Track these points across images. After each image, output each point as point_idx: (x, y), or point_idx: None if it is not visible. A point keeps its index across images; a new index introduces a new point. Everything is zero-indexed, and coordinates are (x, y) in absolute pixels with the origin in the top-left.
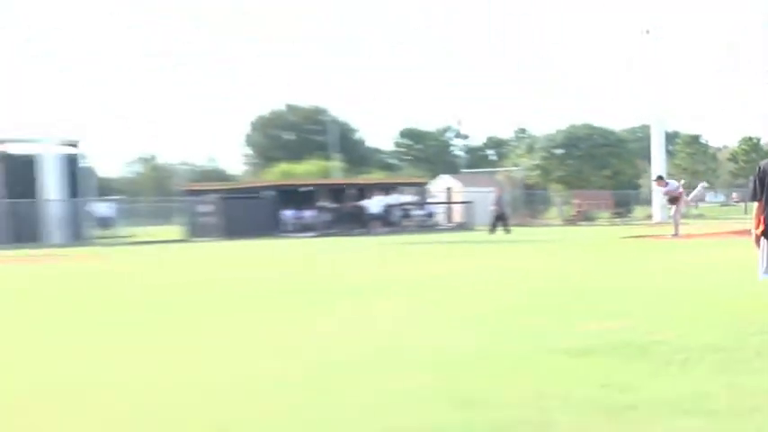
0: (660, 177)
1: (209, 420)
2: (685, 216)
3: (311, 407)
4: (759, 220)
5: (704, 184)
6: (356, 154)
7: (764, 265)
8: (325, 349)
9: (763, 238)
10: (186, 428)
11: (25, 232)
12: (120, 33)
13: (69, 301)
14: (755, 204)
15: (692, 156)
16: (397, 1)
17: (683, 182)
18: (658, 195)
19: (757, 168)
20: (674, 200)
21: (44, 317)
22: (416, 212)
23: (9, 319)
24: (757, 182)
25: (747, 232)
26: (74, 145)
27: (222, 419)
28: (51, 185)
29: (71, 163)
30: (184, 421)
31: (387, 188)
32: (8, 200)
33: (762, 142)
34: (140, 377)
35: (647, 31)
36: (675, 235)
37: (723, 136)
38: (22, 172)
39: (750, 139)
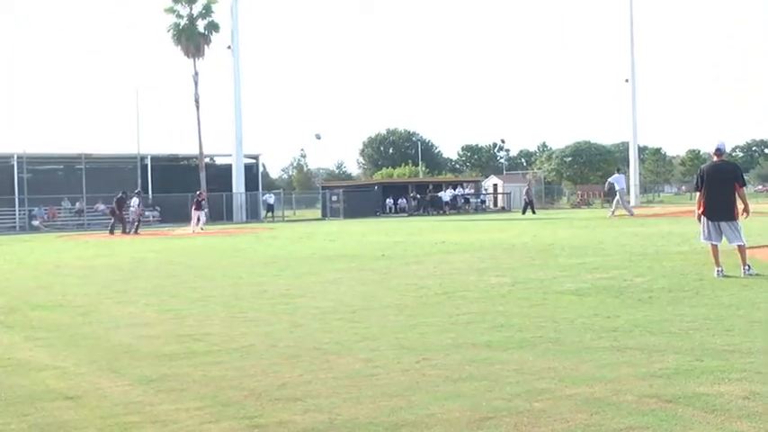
0: (618, 169)
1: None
2: (651, 202)
3: (410, 325)
4: (700, 204)
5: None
6: (434, 161)
7: (703, 233)
8: (417, 288)
9: (702, 216)
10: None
11: (222, 214)
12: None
13: (257, 250)
14: (698, 194)
15: (656, 162)
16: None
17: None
18: (635, 187)
19: (699, 170)
20: (611, 190)
21: (243, 258)
22: (473, 200)
23: (228, 261)
24: (699, 179)
25: (691, 212)
26: (255, 157)
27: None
28: (239, 183)
29: (251, 169)
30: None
31: (454, 184)
32: (211, 193)
33: (702, 152)
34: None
35: (627, 80)
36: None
37: (676, 148)
38: (221, 175)
39: (694, 150)
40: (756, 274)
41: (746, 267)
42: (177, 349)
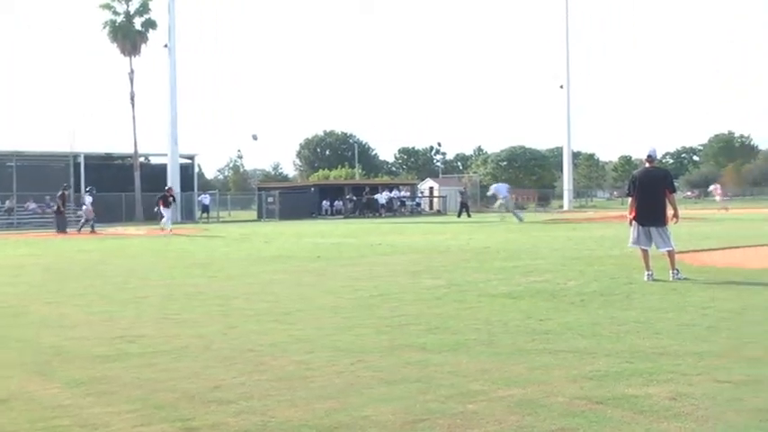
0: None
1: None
2: (584, 206)
3: (345, 327)
4: (631, 209)
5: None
6: (371, 164)
7: (633, 238)
8: (352, 290)
9: (633, 221)
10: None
11: (156, 214)
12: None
13: (192, 252)
14: (630, 199)
15: (589, 167)
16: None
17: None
18: (568, 192)
19: (631, 176)
20: (495, 198)
21: (177, 259)
22: (409, 203)
23: (162, 262)
24: (631, 185)
25: (623, 217)
26: (191, 158)
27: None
28: (173, 183)
29: (187, 169)
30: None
31: (390, 187)
32: (145, 193)
33: (633, 158)
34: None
35: (561, 86)
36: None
37: (609, 154)
38: (156, 175)
39: (626, 156)
40: (685, 278)
41: (675, 272)
42: (108, 351)
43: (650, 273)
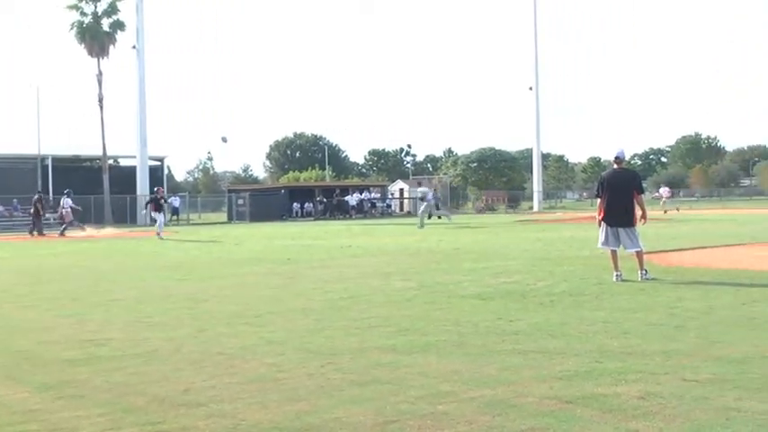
0: (154, 193)
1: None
2: (554, 207)
3: (315, 329)
4: (600, 210)
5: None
6: (341, 166)
7: (602, 239)
8: (323, 292)
9: (602, 222)
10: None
11: (125, 216)
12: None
13: (162, 254)
14: (598, 200)
15: (558, 169)
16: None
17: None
18: (538, 193)
19: (600, 177)
20: (424, 199)
21: (148, 261)
22: (380, 204)
23: (133, 265)
24: (599, 186)
25: (592, 218)
26: (160, 160)
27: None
28: (143, 186)
29: (156, 171)
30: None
31: (361, 188)
32: (114, 195)
33: (602, 160)
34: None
35: (530, 88)
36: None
37: (578, 155)
38: (125, 177)
39: (595, 157)
40: (653, 279)
41: (644, 272)
42: (78, 355)
43: (619, 273)
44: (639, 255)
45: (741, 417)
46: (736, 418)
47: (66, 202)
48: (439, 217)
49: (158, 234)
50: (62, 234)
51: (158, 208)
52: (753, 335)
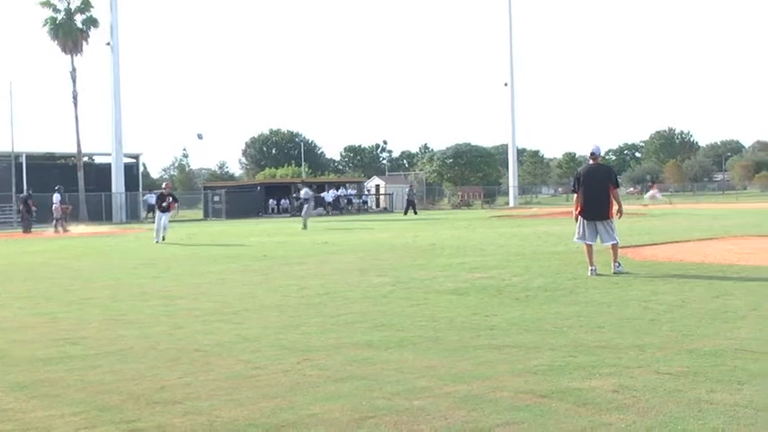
0: (300, 186)
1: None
2: (529, 203)
3: (292, 326)
4: (577, 205)
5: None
6: (317, 162)
7: (578, 233)
8: (299, 288)
9: (579, 216)
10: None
11: (101, 214)
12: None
13: (137, 251)
14: (575, 195)
15: (534, 164)
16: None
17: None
18: (513, 188)
19: (576, 173)
20: (168, 206)
21: (123, 259)
22: (356, 201)
23: (108, 262)
24: (576, 181)
25: (568, 213)
26: (135, 157)
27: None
28: (118, 183)
29: (132, 168)
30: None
31: (337, 185)
32: (89, 193)
33: (577, 155)
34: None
35: (506, 84)
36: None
37: (553, 151)
38: (100, 174)
39: (570, 153)
40: (626, 272)
41: (616, 264)
42: (52, 353)
43: (593, 268)
44: (615, 247)
45: (713, 409)
46: (709, 410)
47: (56, 197)
48: (304, 226)
49: (162, 238)
50: (60, 230)
51: (165, 208)
52: (725, 327)
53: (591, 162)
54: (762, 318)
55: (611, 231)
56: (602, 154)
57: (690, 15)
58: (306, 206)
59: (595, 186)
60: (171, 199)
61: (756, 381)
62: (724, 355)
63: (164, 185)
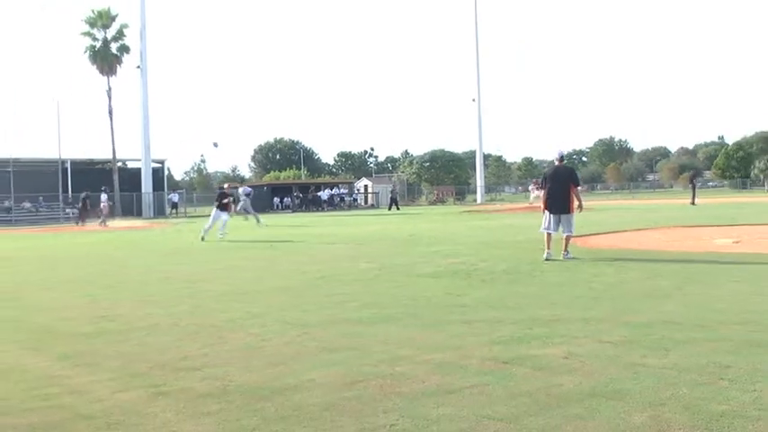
0: (222, 189)
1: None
2: (494, 200)
3: (293, 304)
4: (544, 200)
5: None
6: (314, 166)
7: (544, 224)
8: (299, 273)
9: (545, 210)
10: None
11: (132, 210)
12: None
13: (163, 242)
14: (542, 191)
15: (498, 167)
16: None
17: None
18: (480, 188)
19: (545, 172)
20: (227, 204)
21: (152, 249)
22: (347, 199)
23: (138, 251)
24: (544, 179)
25: (527, 208)
26: (161, 162)
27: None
28: (147, 184)
29: (158, 172)
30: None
31: (331, 185)
32: (123, 192)
33: (534, 159)
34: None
35: (473, 99)
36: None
37: (514, 155)
38: (132, 177)
39: (528, 157)
40: (574, 258)
41: (566, 252)
42: (92, 329)
43: (549, 252)
44: (568, 238)
45: (645, 371)
46: (642, 372)
47: (103, 197)
48: (246, 218)
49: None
50: (104, 224)
51: (225, 206)
52: (655, 303)
53: (557, 164)
54: (685, 295)
55: (569, 224)
56: (559, 157)
57: (627, 37)
58: (241, 202)
59: (559, 185)
60: (231, 198)
61: (680, 347)
62: (654, 327)
63: (225, 185)
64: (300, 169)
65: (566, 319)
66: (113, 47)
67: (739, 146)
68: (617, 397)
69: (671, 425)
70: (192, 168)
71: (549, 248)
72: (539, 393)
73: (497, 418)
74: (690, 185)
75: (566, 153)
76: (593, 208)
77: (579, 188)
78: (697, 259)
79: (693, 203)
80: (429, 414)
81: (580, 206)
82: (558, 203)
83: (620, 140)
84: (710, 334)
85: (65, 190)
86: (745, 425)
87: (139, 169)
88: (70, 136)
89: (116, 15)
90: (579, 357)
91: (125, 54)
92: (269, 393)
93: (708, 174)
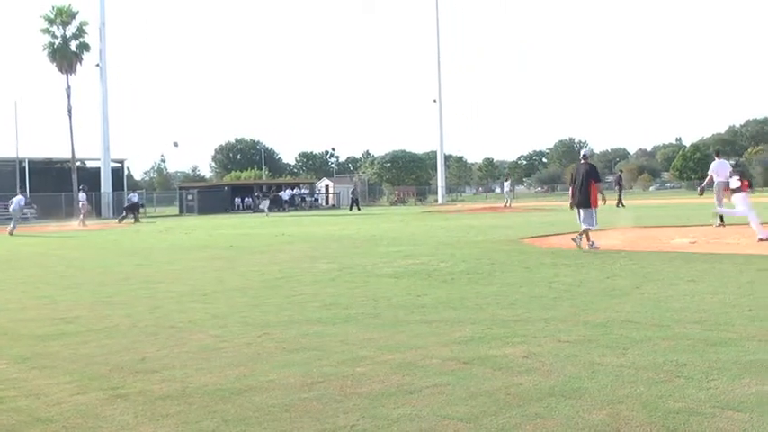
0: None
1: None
2: (455, 200)
3: (253, 305)
4: (571, 196)
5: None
6: (276, 166)
7: (577, 218)
8: (259, 273)
9: (575, 207)
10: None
11: (91, 211)
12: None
13: (122, 243)
14: (570, 188)
15: (459, 168)
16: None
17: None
18: (441, 188)
19: (572, 171)
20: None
21: (110, 250)
22: (309, 199)
23: (96, 252)
24: (571, 176)
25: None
26: (121, 162)
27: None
28: (106, 184)
29: (118, 172)
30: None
31: (293, 185)
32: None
33: (495, 160)
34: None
35: (435, 100)
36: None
37: (474, 156)
38: (91, 177)
39: (488, 158)
40: (596, 250)
41: (590, 243)
42: (50, 331)
43: (592, 243)
44: (587, 230)
45: (603, 369)
46: (600, 370)
47: (81, 196)
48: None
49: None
50: (82, 224)
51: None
52: (613, 303)
53: (582, 162)
54: (642, 295)
55: (588, 218)
56: (514, 159)
57: (587, 42)
58: (13, 213)
59: (582, 181)
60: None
61: (638, 346)
62: (612, 326)
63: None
64: (262, 169)
65: (525, 319)
66: (73, 45)
67: (696, 147)
68: (575, 395)
69: (628, 422)
70: (152, 168)
71: (588, 239)
72: (498, 393)
73: (457, 418)
74: (616, 187)
75: (523, 154)
76: (552, 209)
77: (599, 184)
78: (654, 259)
79: (622, 205)
80: (389, 414)
81: (603, 199)
82: (578, 198)
83: (580, 142)
84: (667, 333)
85: (23, 189)
86: (700, 421)
87: (99, 169)
88: (29, 135)
89: (76, 13)
90: (538, 357)
91: (85, 52)
92: (229, 395)
93: (666, 175)
